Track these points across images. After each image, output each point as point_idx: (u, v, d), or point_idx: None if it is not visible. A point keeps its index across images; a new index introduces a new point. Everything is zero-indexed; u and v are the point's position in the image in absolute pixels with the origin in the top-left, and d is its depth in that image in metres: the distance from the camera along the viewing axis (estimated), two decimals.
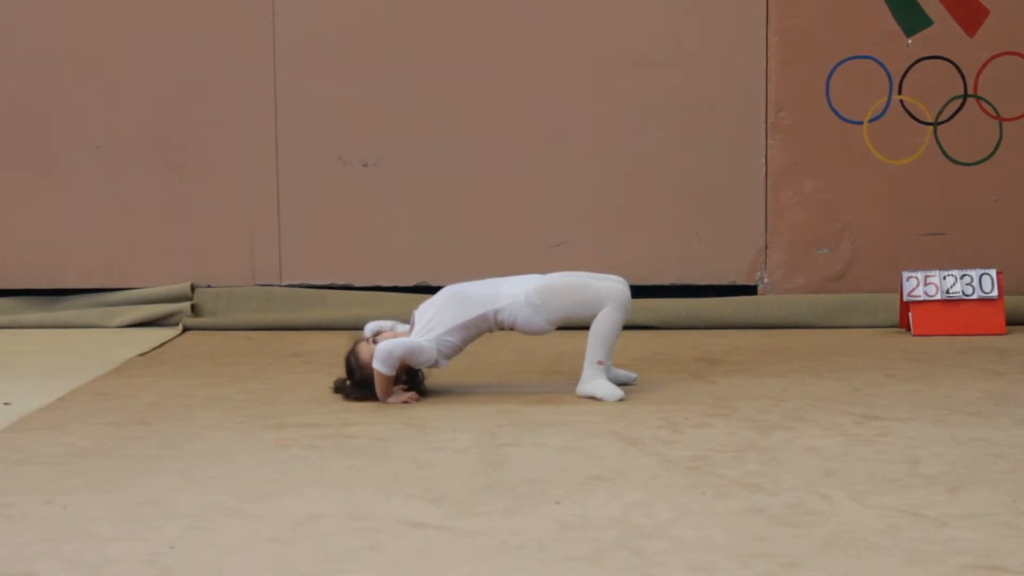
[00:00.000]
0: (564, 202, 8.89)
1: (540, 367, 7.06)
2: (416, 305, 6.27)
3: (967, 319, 8.14)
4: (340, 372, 6.52)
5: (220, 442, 5.58)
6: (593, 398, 6.32)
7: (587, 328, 6.41)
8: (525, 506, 4.61)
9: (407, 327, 6.47)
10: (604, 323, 6.35)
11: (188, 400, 6.42)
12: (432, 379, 6.53)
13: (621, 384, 6.47)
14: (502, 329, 6.46)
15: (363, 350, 6.34)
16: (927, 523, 4.37)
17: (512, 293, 6.39)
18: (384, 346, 6.23)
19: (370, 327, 6.58)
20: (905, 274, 8.21)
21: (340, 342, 7.87)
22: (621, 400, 6.28)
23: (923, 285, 8.17)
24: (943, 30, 8.70)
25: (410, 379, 6.40)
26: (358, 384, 6.34)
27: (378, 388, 6.25)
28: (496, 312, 6.36)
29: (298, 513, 4.54)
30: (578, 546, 4.18)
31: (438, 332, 6.31)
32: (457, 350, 6.41)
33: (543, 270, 8.75)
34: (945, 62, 8.72)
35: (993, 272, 8.21)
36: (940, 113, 8.76)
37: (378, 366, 6.20)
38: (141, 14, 8.86)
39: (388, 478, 4.99)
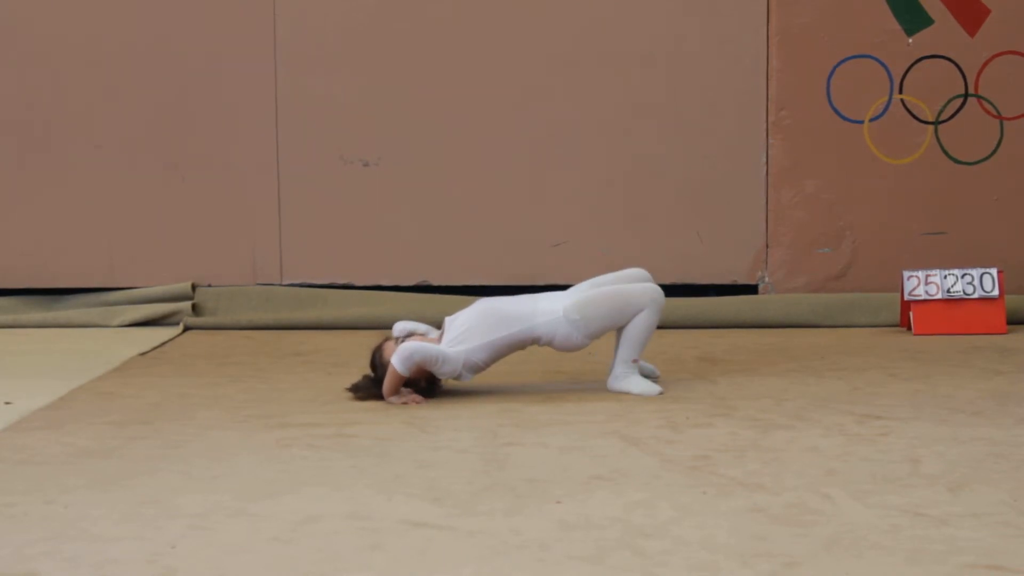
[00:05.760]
0: (565, 202, 8.89)
1: (542, 367, 7.05)
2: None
3: (968, 318, 8.14)
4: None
5: (221, 442, 5.58)
6: (628, 394, 6.31)
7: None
8: (526, 506, 4.61)
9: (438, 333, 6.38)
10: (641, 324, 6.30)
11: (189, 400, 6.42)
12: None
13: (646, 376, 6.46)
14: (537, 344, 6.39)
15: (388, 349, 6.24)
16: (928, 522, 4.37)
17: (549, 309, 6.28)
18: (408, 346, 6.11)
19: (400, 327, 6.46)
20: (906, 273, 8.20)
21: (341, 342, 7.91)
22: (660, 395, 6.28)
23: (924, 284, 8.17)
24: (944, 29, 8.70)
25: (429, 387, 6.30)
26: (377, 382, 6.25)
27: (386, 383, 6.17)
28: (532, 329, 6.27)
29: (299, 513, 4.54)
30: (580, 546, 4.18)
31: (467, 346, 6.22)
32: (484, 366, 6.32)
33: (544, 270, 8.82)
34: (946, 61, 8.72)
35: (994, 271, 8.20)
36: (941, 112, 8.76)
37: (396, 362, 6.09)
38: (141, 14, 8.86)
39: (389, 478, 4.98)
